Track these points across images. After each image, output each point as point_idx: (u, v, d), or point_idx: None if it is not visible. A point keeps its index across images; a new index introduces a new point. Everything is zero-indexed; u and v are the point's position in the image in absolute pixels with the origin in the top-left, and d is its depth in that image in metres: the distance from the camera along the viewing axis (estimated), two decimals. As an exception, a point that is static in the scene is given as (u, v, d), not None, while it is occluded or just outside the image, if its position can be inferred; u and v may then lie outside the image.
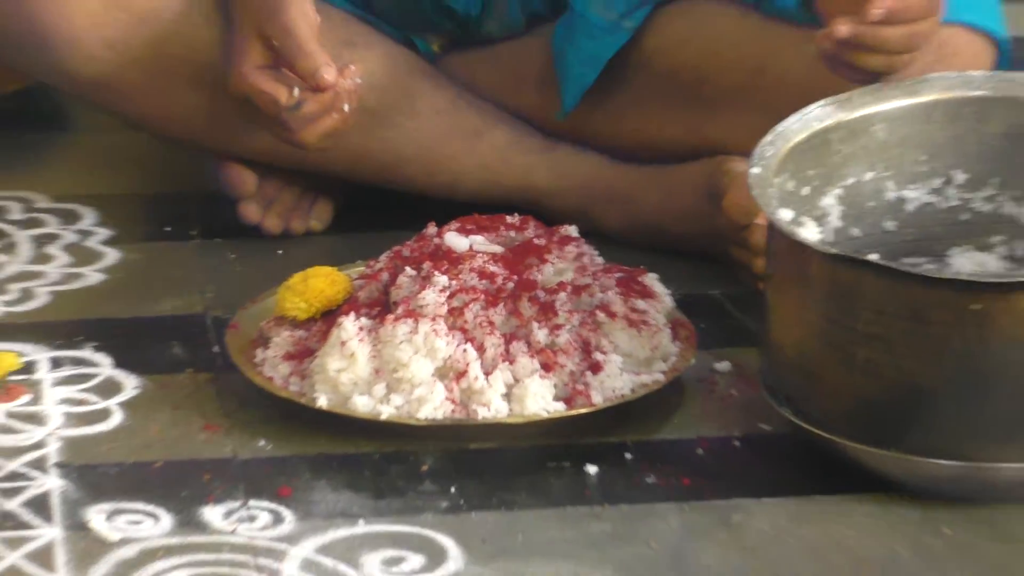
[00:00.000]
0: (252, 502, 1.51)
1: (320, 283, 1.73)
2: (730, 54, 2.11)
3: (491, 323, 1.66)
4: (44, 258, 2.13)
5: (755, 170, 1.62)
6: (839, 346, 1.60)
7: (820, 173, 1.80)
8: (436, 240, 1.77)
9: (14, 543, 1.41)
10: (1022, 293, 1.52)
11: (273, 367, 1.69)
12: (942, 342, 1.54)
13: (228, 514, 1.46)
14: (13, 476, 1.55)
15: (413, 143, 2.14)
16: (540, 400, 1.61)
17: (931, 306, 1.54)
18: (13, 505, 1.50)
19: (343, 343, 1.60)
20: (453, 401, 1.60)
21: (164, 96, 2.06)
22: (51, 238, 2.20)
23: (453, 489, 1.56)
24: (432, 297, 1.63)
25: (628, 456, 1.64)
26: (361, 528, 1.48)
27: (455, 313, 1.64)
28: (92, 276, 2.10)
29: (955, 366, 1.54)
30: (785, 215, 1.66)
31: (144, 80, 2.04)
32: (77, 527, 1.44)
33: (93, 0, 2.00)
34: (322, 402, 1.61)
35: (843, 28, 1.64)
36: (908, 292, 1.55)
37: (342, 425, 1.67)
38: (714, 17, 2.14)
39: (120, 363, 1.81)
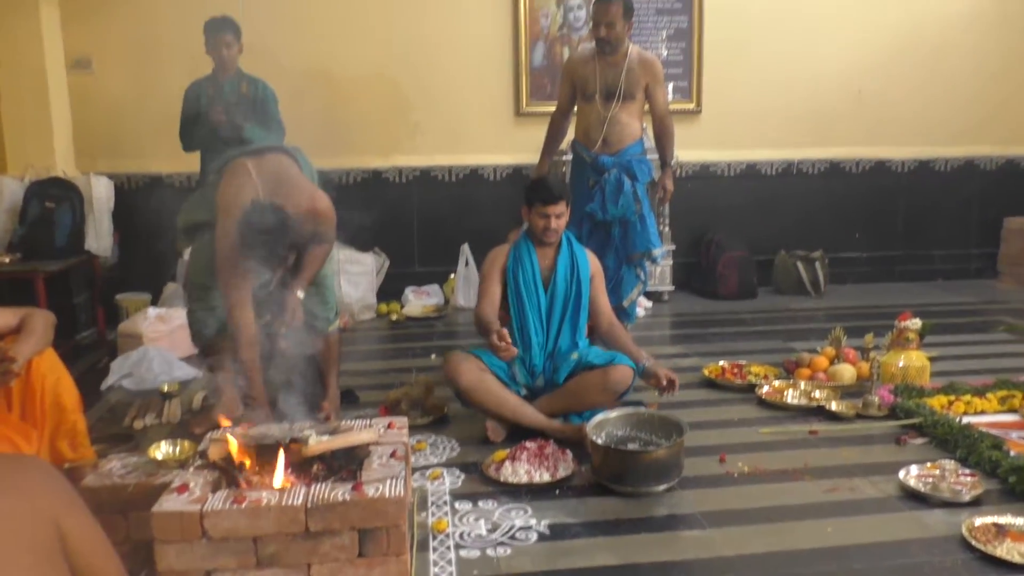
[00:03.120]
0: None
1: (502, 453, 2.72)
2: (588, 388, 2.97)
3: (532, 461, 2.65)
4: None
5: (588, 428, 2.66)
6: (611, 459, 2.55)
7: (597, 424, 2.70)
8: (523, 444, 2.73)
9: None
10: (639, 454, 2.58)
11: (497, 471, 2.65)
12: (625, 462, 2.54)
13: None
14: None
15: (523, 417, 2.97)
16: (544, 477, 2.61)
17: (623, 455, 2.57)
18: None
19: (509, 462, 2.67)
20: (529, 474, 2.61)
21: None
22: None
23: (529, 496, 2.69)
24: (523, 455, 2.66)
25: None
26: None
27: (528, 458, 2.65)
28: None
29: (631, 468, 2.50)
30: (595, 438, 2.62)
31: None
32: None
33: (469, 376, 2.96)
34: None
35: None
36: (619, 453, 2.58)
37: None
38: (581, 382, 3.00)
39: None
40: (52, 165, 4.78)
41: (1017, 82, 6.15)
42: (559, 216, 3.13)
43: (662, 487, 2.60)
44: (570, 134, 4.15)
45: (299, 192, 2.84)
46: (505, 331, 2.90)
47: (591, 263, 3.26)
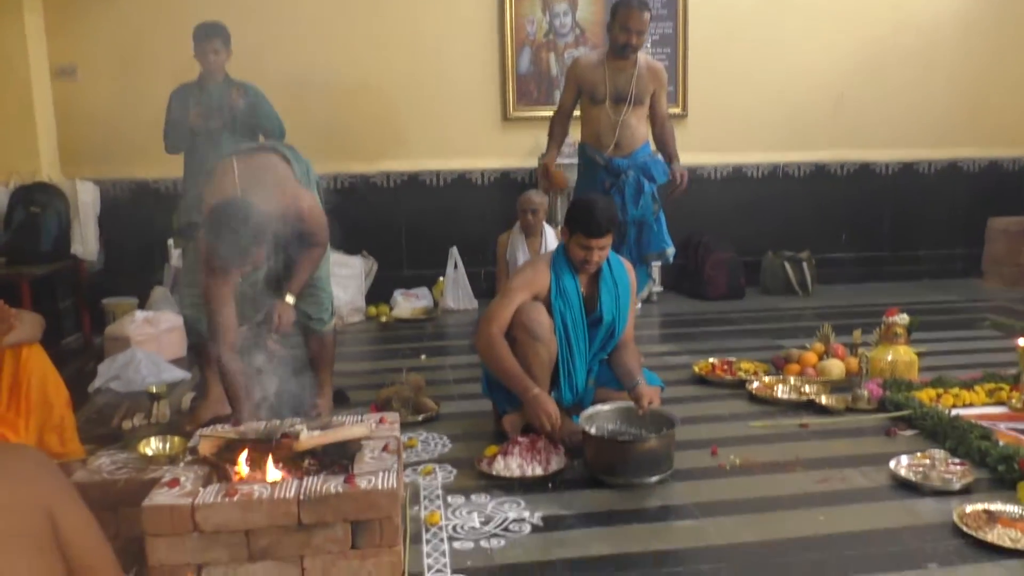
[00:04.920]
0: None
1: (493, 448, 2.70)
2: (615, 398, 2.84)
3: (524, 455, 2.62)
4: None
5: (581, 420, 2.64)
6: (604, 450, 2.54)
7: (588, 416, 2.68)
8: (515, 439, 2.70)
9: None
10: (632, 444, 2.56)
11: (489, 466, 2.63)
12: (617, 452, 2.53)
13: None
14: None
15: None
16: (537, 470, 2.58)
17: (616, 445, 2.56)
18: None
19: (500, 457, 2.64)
20: (521, 468, 2.57)
21: None
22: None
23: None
24: (515, 450, 2.63)
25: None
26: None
27: (520, 452, 2.62)
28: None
29: (624, 459, 2.49)
30: (587, 428, 2.61)
31: None
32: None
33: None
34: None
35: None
36: (612, 444, 2.57)
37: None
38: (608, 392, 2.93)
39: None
40: (37, 170, 4.76)
41: (999, 84, 6.23)
42: (602, 249, 2.81)
43: (654, 478, 2.59)
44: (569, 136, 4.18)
45: (281, 192, 2.84)
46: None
47: (630, 279, 3.01)
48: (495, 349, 2.78)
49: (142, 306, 4.70)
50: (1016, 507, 2.33)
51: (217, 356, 2.73)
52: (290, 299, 2.96)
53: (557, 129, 3.99)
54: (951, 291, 5.82)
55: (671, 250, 3.91)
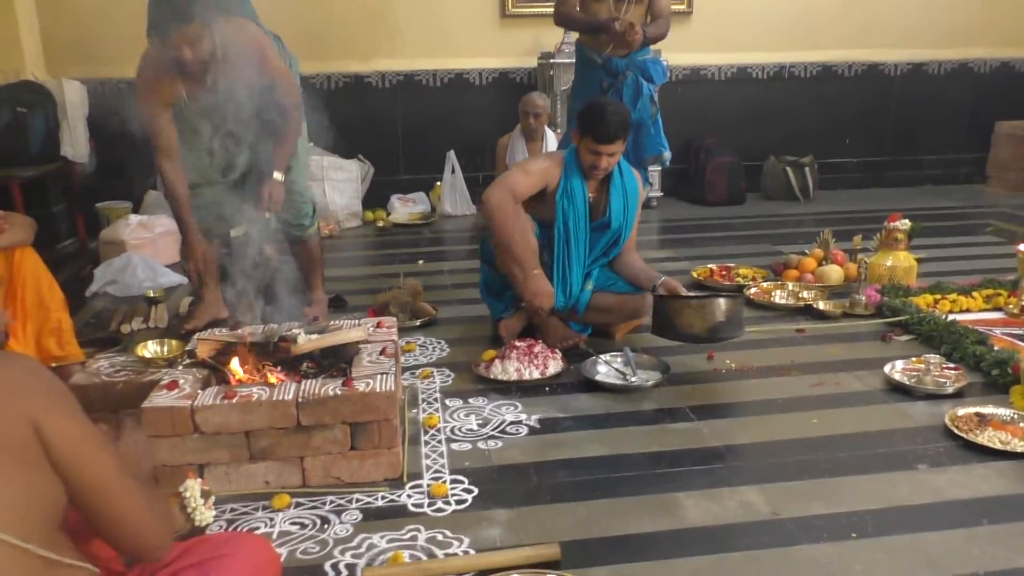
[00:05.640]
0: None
1: (491, 352, 2.72)
2: (614, 302, 2.90)
3: (521, 359, 2.63)
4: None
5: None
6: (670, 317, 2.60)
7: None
8: (512, 343, 2.71)
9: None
10: (710, 303, 2.77)
11: (487, 370, 2.65)
12: (689, 314, 2.57)
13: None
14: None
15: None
16: (534, 374, 2.63)
17: (690, 305, 2.58)
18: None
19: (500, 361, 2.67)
20: (519, 372, 2.61)
21: None
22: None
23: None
24: (512, 354, 2.63)
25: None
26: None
27: (518, 356, 2.64)
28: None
29: (699, 323, 2.55)
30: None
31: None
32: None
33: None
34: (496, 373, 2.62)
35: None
36: (691, 305, 2.59)
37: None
38: (606, 296, 2.92)
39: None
40: (21, 69, 4.62)
41: (1014, -18, 6.01)
42: (612, 155, 2.77)
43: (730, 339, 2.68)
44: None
45: (250, 47, 2.73)
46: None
47: (639, 188, 2.99)
48: (512, 216, 2.73)
49: (136, 210, 4.65)
50: (1007, 410, 2.36)
51: (158, 166, 2.79)
52: (278, 176, 2.89)
53: (576, 13, 3.74)
54: (954, 197, 5.78)
55: (667, 154, 3.82)
